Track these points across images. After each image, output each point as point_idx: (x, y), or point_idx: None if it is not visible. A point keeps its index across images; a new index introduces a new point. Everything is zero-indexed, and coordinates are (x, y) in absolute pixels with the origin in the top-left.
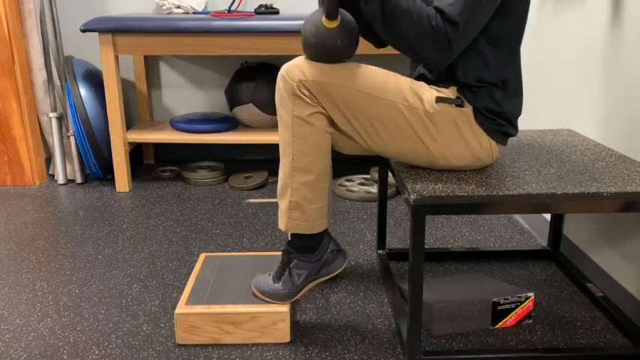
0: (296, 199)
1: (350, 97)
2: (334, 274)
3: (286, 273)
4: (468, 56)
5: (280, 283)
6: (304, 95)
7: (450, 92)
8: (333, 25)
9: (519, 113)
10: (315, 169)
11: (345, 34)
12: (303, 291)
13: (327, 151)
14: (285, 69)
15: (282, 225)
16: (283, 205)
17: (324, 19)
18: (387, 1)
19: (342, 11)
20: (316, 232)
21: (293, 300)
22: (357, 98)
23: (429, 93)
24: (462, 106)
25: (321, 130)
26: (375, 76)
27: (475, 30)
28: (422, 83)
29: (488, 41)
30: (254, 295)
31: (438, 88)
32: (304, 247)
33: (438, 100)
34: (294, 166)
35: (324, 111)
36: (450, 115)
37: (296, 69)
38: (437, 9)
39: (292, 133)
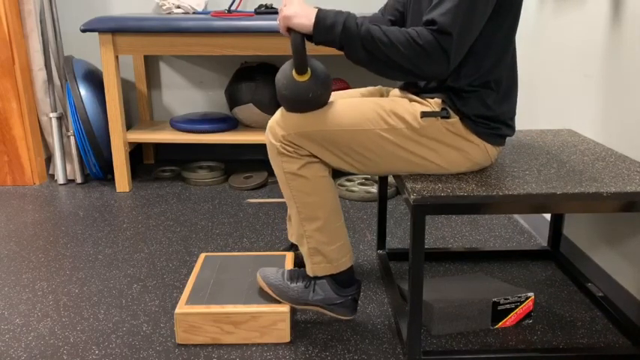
0: (313, 246)
1: (332, 137)
2: (337, 316)
3: (308, 282)
4: (462, 60)
5: (295, 285)
6: (288, 152)
7: (434, 104)
8: (304, 78)
9: (514, 113)
10: (321, 214)
11: (317, 86)
12: (307, 307)
13: (329, 193)
14: (267, 130)
15: (309, 271)
16: (304, 251)
17: (294, 72)
18: (368, 43)
19: (313, 63)
20: (342, 269)
21: (294, 307)
22: (338, 136)
23: (411, 109)
24: (448, 117)
25: (315, 178)
26: (351, 110)
27: (471, 36)
28: (401, 101)
29: (481, 43)
30: (258, 284)
31: (422, 101)
32: (338, 282)
33: (423, 115)
34: (302, 217)
35: (313, 159)
36: (437, 128)
37: (276, 127)
38: (428, 21)
39: (289, 187)
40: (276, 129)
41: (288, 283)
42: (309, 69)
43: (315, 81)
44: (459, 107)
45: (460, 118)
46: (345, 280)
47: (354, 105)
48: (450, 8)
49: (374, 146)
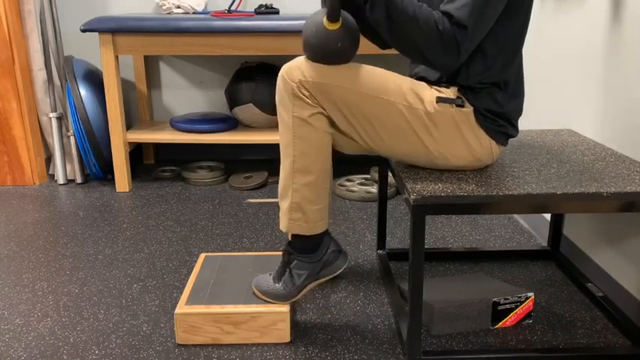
0: (297, 200)
1: (350, 98)
2: (335, 274)
3: (287, 273)
4: (471, 58)
5: (281, 284)
6: (304, 96)
7: (450, 92)
8: (334, 27)
9: (520, 113)
10: (315, 169)
11: (346, 37)
12: (304, 291)
13: (328, 151)
14: (285, 70)
15: (283, 226)
16: (284, 205)
17: (325, 20)
18: (393, 8)
19: (345, 13)
20: (317, 232)
21: (293, 300)
22: (356, 99)
23: (429, 93)
24: (462, 106)
25: (321, 131)
26: (375, 76)
27: (483, 32)
28: (422, 83)
29: (492, 42)
30: (254, 295)
31: (439, 88)
32: (305, 248)
33: (439, 100)
34: (295, 167)
35: (324, 111)
36: (450, 115)
37: (296, 70)
38: (444, 12)
39: (293, 134)
40: (294, 72)
41: (276, 284)
42: (341, 18)
43: (345, 32)
44: (471, 100)
45: (472, 111)
46: (314, 244)
47: (380, 73)
48: (467, 3)
49: (387, 119)
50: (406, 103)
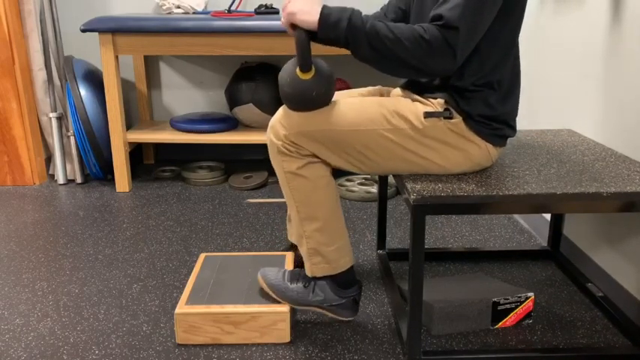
0: (312, 246)
1: (335, 137)
2: (338, 317)
3: (308, 284)
4: (467, 58)
5: (294, 286)
6: (289, 151)
7: (437, 104)
8: (307, 77)
9: (516, 113)
10: (320, 215)
11: (320, 85)
12: (307, 308)
13: (329, 194)
14: (270, 128)
15: (307, 271)
16: (303, 251)
17: (298, 70)
18: (375, 40)
19: (317, 61)
20: (342, 270)
21: (294, 307)
22: (342, 136)
23: (413, 109)
24: (450, 117)
25: (315, 179)
26: (354, 109)
27: (479, 32)
28: (404, 100)
29: (485, 42)
30: (259, 283)
31: (425, 101)
32: (337, 283)
33: (427, 115)
34: (301, 217)
35: (314, 159)
36: (440, 128)
37: (277, 124)
38: (434, 16)
39: (289, 187)
40: (278, 128)
41: (288, 284)
42: (313, 67)
43: (319, 79)
44: (462, 107)
45: (463, 119)
46: (345, 281)
47: (357, 105)
48: (459, 3)
49: (376, 146)
50: (390, 127)
